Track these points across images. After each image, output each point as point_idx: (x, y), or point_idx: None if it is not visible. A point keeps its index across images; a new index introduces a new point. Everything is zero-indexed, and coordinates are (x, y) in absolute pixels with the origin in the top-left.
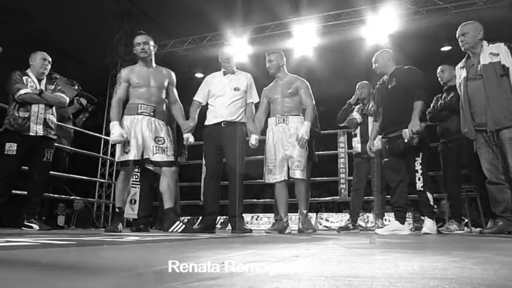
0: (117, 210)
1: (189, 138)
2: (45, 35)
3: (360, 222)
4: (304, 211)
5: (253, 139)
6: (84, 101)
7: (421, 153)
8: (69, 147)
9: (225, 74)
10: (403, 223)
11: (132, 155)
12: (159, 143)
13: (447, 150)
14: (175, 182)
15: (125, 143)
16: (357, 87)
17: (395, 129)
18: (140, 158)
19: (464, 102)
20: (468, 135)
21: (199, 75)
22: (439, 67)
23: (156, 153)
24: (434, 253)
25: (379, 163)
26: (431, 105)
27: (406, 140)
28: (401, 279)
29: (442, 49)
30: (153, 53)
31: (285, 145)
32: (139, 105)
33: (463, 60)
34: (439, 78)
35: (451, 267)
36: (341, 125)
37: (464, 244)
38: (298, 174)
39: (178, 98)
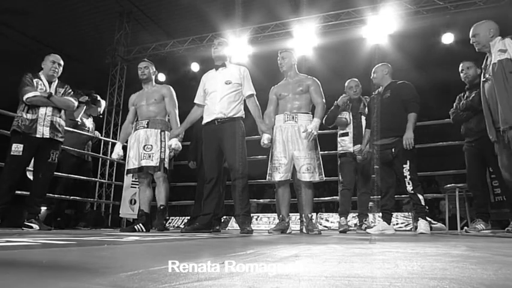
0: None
1: (171, 144)
2: (45, 35)
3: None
4: (309, 215)
5: (266, 139)
6: (83, 99)
7: (408, 161)
8: (70, 148)
9: (217, 69)
10: (389, 224)
11: (131, 164)
12: (147, 150)
13: (471, 149)
14: (163, 183)
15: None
16: (348, 86)
17: (385, 136)
18: (139, 166)
19: (483, 104)
20: (491, 136)
21: (196, 67)
22: (463, 63)
23: (143, 159)
24: (434, 253)
25: (374, 165)
26: (454, 105)
27: (405, 148)
28: (401, 279)
29: (443, 41)
30: (153, 76)
31: (294, 145)
32: (137, 122)
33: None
34: (463, 75)
35: (451, 267)
36: (330, 126)
37: (464, 244)
38: (307, 177)
39: (173, 108)
